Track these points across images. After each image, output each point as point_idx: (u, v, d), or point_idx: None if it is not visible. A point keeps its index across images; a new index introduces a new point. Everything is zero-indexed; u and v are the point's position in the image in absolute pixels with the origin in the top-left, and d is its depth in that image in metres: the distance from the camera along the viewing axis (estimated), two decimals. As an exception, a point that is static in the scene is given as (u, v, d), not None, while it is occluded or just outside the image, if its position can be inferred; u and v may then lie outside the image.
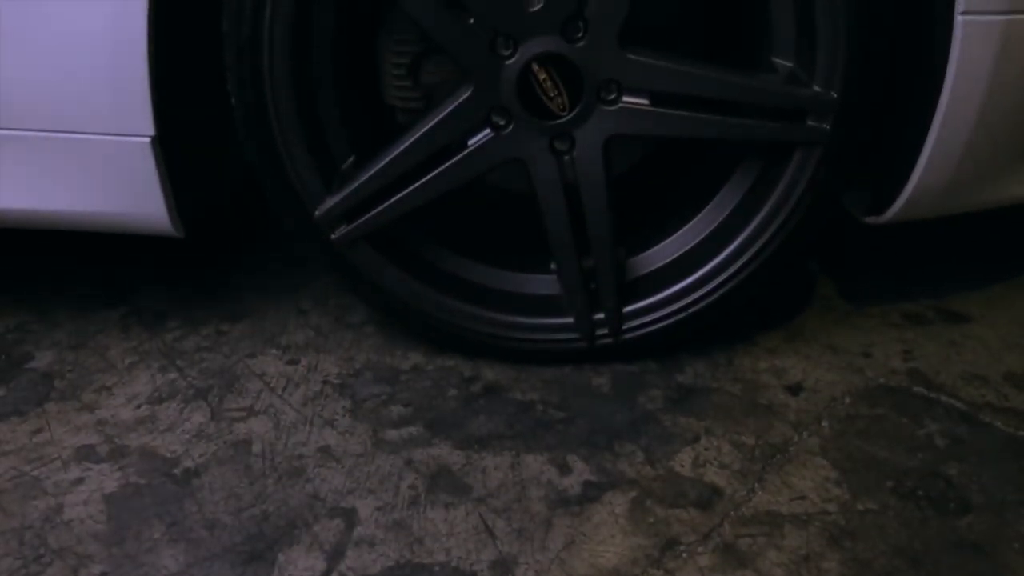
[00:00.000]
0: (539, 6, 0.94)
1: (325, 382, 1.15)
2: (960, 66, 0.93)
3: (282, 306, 1.32)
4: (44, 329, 1.27)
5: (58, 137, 1.01)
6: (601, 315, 1.12)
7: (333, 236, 1.07)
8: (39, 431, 1.06)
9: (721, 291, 1.11)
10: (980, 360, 1.17)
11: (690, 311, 1.12)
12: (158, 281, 1.38)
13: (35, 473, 0.99)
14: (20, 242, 1.43)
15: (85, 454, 1.02)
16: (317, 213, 1.05)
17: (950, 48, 0.92)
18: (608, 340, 1.14)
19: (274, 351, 1.21)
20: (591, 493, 0.96)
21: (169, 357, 1.20)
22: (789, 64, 1.01)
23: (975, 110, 0.96)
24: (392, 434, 1.05)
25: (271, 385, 1.14)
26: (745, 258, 1.09)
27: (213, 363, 1.19)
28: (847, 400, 1.10)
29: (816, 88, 0.97)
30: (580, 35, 0.96)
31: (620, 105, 1.00)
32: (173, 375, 1.16)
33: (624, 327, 1.13)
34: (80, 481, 0.98)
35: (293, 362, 1.19)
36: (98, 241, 1.42)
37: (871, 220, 1.13)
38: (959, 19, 0.90)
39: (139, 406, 1.11)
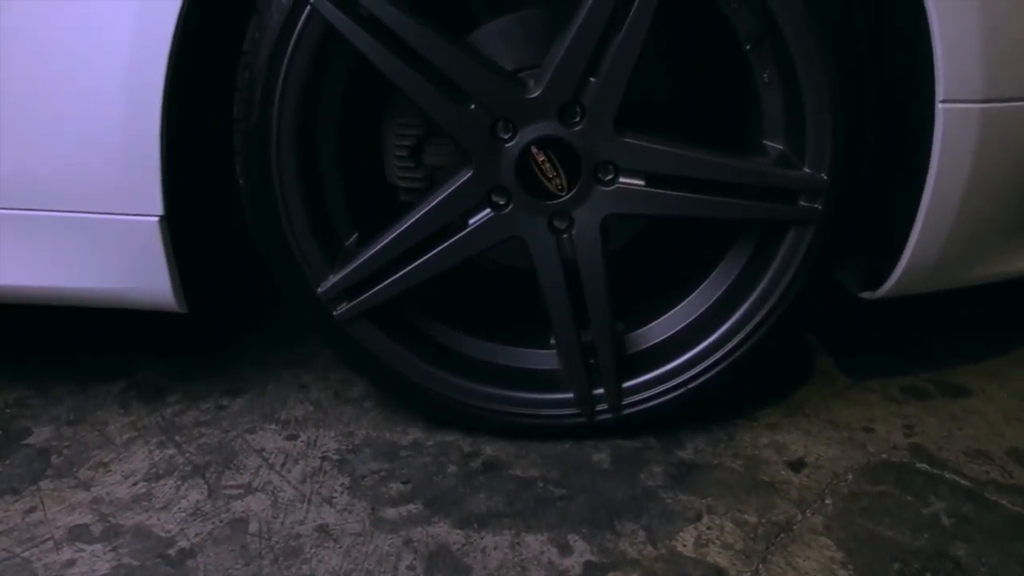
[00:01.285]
0: (537, 93, 0.98)
1: (324, 458, 1.14)
2: (943, 150, 0.96)
3: (282, 380, 1.32)
4: (43, 404, 1.27)
5: (67, 216, 1.03)
6: (601, 390, 1.13)
7: (335, 312, 1.08)
8: (32, 510, 1.05)
9: (720, 366, 1.11)
10: (982, 435, 1.17)
11: (689, 386, 1.12)
12: (159, 354, 1.39)
13: (26, 555, 0.98)
14: (22, 316, 1.44)
15: (78, 534, 1.01)
16: (320, 290, 1.07)
17: (933, 133, 0.95)
18: (608, 415, 1.14)
19: (273, 426, 1.21)
20: (592, 574, 0.94)
21: (168, 432, 1.20)
22: (780, 147, 1.04)
23: (961, 191, 0.99)
24: (391, 512, 1.04)
25: (269, 461, 1.14)
26: (743, 334, 1.10)
27: (212, 438, 1.18)
28: (850, 477, 1.09)
29: (806, 170, 1.01)
30: (577, 120, 0.99)
31: (617, 186, 1.02)
32: (171, 451, 1.16)
33: (624, 402, 1.13)
34: (72, 563, 0.97)
35: (292, 437, 1.19)
36: (100, 313, 1.43)
37: (867, 295, 1.14)
38: (939, 107, 0.94)
39: (135, 483, 1.10)
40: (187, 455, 1.15)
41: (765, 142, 1.06)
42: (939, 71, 0.93)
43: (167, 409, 1.25)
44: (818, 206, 1.02)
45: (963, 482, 1.08)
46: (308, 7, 0.94)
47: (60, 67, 0.95)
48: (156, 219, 1.02)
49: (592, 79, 0.97)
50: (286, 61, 0.96)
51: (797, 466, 1.11)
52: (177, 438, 1.19)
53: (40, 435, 1.20)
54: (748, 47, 1.02)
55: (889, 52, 1.01)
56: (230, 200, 1.13)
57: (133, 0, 0.91)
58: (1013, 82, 0.95)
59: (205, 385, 1.31)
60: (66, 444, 1.18)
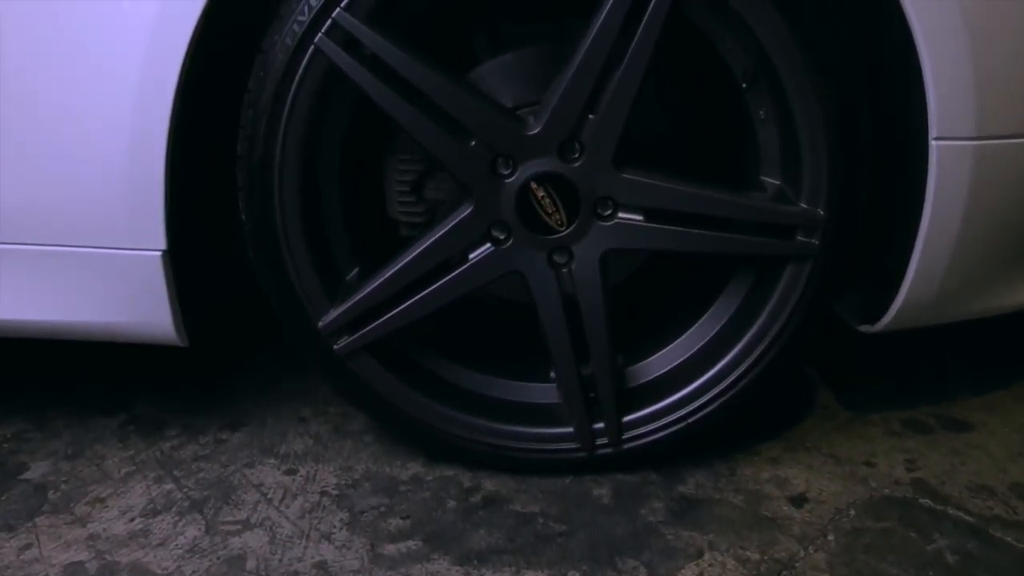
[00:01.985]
0: (537, 129, 0.99)
1: (323, 493, 1.13)
2: (938, 186, 0.97)
3: (282, 413, 1.32)
4: (41, 438, 1.27)
5: (69, 251, 1.04)
6: (601, 424, 1.12)
7: (335, 347, 1.08)
8: (28, 547, 1.04)
9: (720, 400, 1.11)
10: (985, 470, 1.16)
11: (690, 420, 1.12)
12: (159, 387, 1.39)
13: (21, 592, 0.97)
14: (21, 350, 1.44)
15: (73, 572, 1.00)
16: (320, 324, 1.07)
17: (928, 169, 0.96)
18: (608, 450, 1.13)
19: (272, 460, 1.20)
20: (594, 613, 0.93)
21: (166, 467, 1.19)
22: (777, 182, 1.05)
23: (957, 226, 1.00)
24: (390, 548, 1.03)
25: (268, 496, 1.13)
26: (742, 367, 1.10)
27: (210, 473, 1.18)
28: (852, 512, 1.08)
29: (803, 205, 1.02)
30: (576, 156, 1.01)
31: (616, 221, 1.03)
32: (169, 486, 1.15)
33: (624, 436, 1.13)
34: (67, 601, 0.96)
35: (291, 472, 1.18)
36: (101, 346, 1.43)
37: (865, 329, 1.15)
38: (933, 144, 0.95)
39: (132, 519, 1.09)
40: (185, 490, 1.14)
41: (762, 178, 1.07)
42: (932, 109, 0.94)
43: (166, 443, 1.25)
44: (815, 241, 1.03)
45: (967, 518, 1.07)
46: (312, 47, 0.96)
47: (68, 107, 0.97)
48: (159, 254, 1.03)
49: (591, 116, 0.99)
50: (289, 99, 0.98)
51: (799, 501, 1.10)
52: (175, 472, 1.18)
53: (37, 470, 1.19)
54: (744, 85, 1.03)
55: (883, 90, 1.03)
56: (230, 234, 1.14)
57: (140, 42, 0.93)
58: (1006, 120, 0.97)
59: (204, 419, 1.30)
60: (63, 479, 1.17)
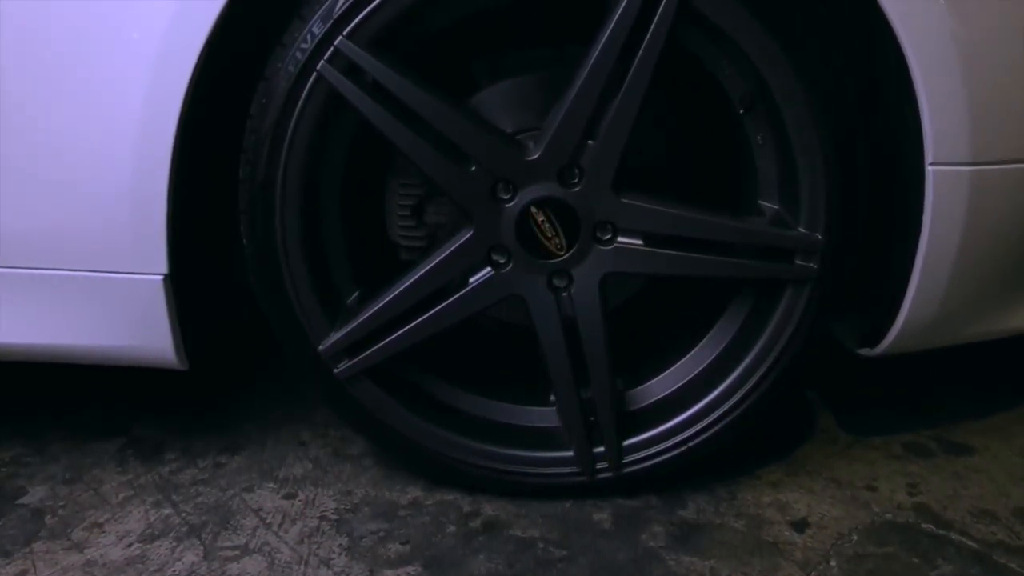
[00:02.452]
0: (537, 155, 1.00)
1: (322, 518, 1.13)
2: (935, 210, 0.98)
3: (282, 437, 1.32)
4: (39, 462, 1.26)
5: (71, 275, 1.05)
6: (601, 448, 1.12)
7: (336, 370, 1.08)
8: (24, 573, 1.03)
9: (720, 424, 1.11)
10: (987, 495, 1.16)
11: (690, 444, 1.12)
12: (159, 410, 1.38)
13: (17, 619, 0.96)
14: (21, 374, 1.44)
15: (70, 598, 0.99)
16: (321, 348, 1.07)
17: (924, 194, 0.97)
18: (608, 474, 1.13)
19: (272, 484, 1.20)
20: (594, 641, 0.92)
21: (164, 491, 1.19)
22: (775, 207, 1.06)
23: (954, 251, 1.01)
24: (389, 574, 1.02)
25: (267, 521, 1.12)
26: (743, 391, 1.10)
27: (209, 497, 1.17)
28: (854, 537, 1.08)
29: (802, 230, 1.02)
30: (576, 181, 1.01)
31: (615, 245, 1.04)
32: (167, 510, 1.14)
33: (624, 460, 1.13)
34: (63, 628, 0.95)
35: (290, 496, 1.17)
36: (101, 368, 1.43)
37: (865, 353, 1.15)
38: (929, 169, 0.96)
39: (130, 544, 1.08)
40: (183, 515, 1.13)
41: (761, 202, 1.07)
42: (927, 135, 0.95)
43: (164, 467, 1.24)
44: (814, 265, 1.03)
45: (970, 543, 1.06)
46: (314, 74, 0.97)
47: (73, 133, 0.98)
48: (160, 278, 1.03)
49: (590, 142, 0.99)
50: (292, 124, 0.99)
51: (800, 526, 1.10)
52: (174, 497, 1.17)
53: (35, 494, 1.19)
54: (742, 111, 1.04)
55: (880, 116, 1.04)
56: (231, 258, 1.15)
57: (144, 70, 0.94)
58: (1000, 146, 0.97)
59: (204, 442, 1.30)
60: (61, 504, 1.16)
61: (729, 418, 1.11)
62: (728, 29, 0.95)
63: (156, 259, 1.02)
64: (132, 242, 1.01)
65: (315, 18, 0.96)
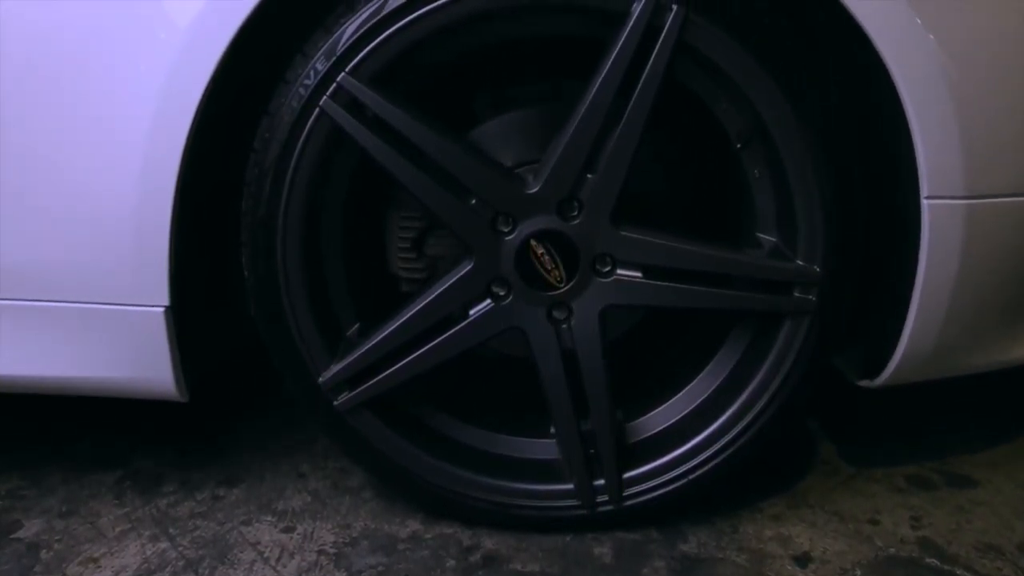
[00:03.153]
0: (536, 188, 1.01)
1: (320, 552, 1.12)
2: (931, 244, 0.98)
3: (280, 468, 1.31)
4: (36, 495, 1.25)
5: (72, 307, 1.05)
6: (601, 481, 1.11)
7: (336, 402, 1.08)
8: (20, 608, 1.02)
9: (721, 456, 1.10)
10: (991, 528, 1.15)
11: (691, 476, 1.11)
12: (157, 441, 1.38)
13: (10, 657, 0.95)
14: (18, 404, 1.44)
15: (65, 634, 0.98)
16: (321, 379, 1.07)
17: (921, 227, 0.98)
18: (609, 507, 1.12)
19: (270, 517, 1.19)
20: None
21: (161, 525, 1.18)
22: (773, 239, 1.07)
23: (952, 283, 1.01)
24: (387, 610, 1.01)
25: (265, 555, 1.11)
26: (743, 423, 1.09)
27: (206, 531, 1.16)
28: (858, 572, 1.07)
29: (800, 262, 1.03)
30: (575, 214, 1.02)
31: (615, 278, 1.04)
32: (164, 544, 1.13)
33: (625, 493, 1.12)
34: (57, 666, 0.93)
35: (289, 529, 1.16)
36: (100, 399, 1.43)
37: (865, 384, 1.14)
38: (925, 203, 0.97)
39: (126, 579, 1.07)
40: (180, 549, 1.12)
41: (759, 235, 1.08)
42: (922, 169, 0.96)
43: (162, 500, 1.23)
44: (812, 297, 1.04)
45: (974, 578, 1.05)
46: (317, 109, 0.98)
47: (77, 168, 0.99)
48: (161, 310, 1.04)
49: (589, 175, 1.00)
50: (294, 158, 1.00)
51: (803, 561, 1.09)
52: (171, 531, 1.16)
53: (31, 528, 1.18)
54: (739, 146, 1.06)
55: (875, 150, 1.05)
56: (231, 289, 1.16)
57: (149, 106, 0.96)
58: (994, 179, 0.98)
59: (202, 474, 1.29)
60: (57, 538, 1.15)
61: (730, 450, 1.10)
62: (724, 66, 0.96)
63: (158, 291, 1.02)
64: (134, 274, 1.01)
65: (318, 55, 0.97)
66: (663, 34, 0.94)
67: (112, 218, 0.99)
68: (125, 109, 0.96)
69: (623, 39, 0.95)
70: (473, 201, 1.02)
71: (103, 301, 1.04)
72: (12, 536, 1.16)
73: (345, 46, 0.96)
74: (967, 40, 0.95)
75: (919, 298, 1.02)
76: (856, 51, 0.97)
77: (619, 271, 1.04)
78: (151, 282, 1.01)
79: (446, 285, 1.05)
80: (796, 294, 1.04)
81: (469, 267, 1.04)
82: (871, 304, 1.11)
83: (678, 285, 1.04)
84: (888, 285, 1.07)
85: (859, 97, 1.05)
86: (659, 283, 1.04)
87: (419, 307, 1.05)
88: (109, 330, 1.06)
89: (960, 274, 1.01)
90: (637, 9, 0.94)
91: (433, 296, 1.05)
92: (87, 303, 1.05)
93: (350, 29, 0.96)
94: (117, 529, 1.17)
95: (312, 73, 0.98)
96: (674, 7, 0.94)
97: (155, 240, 0.99)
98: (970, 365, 1.13)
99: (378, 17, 0.96)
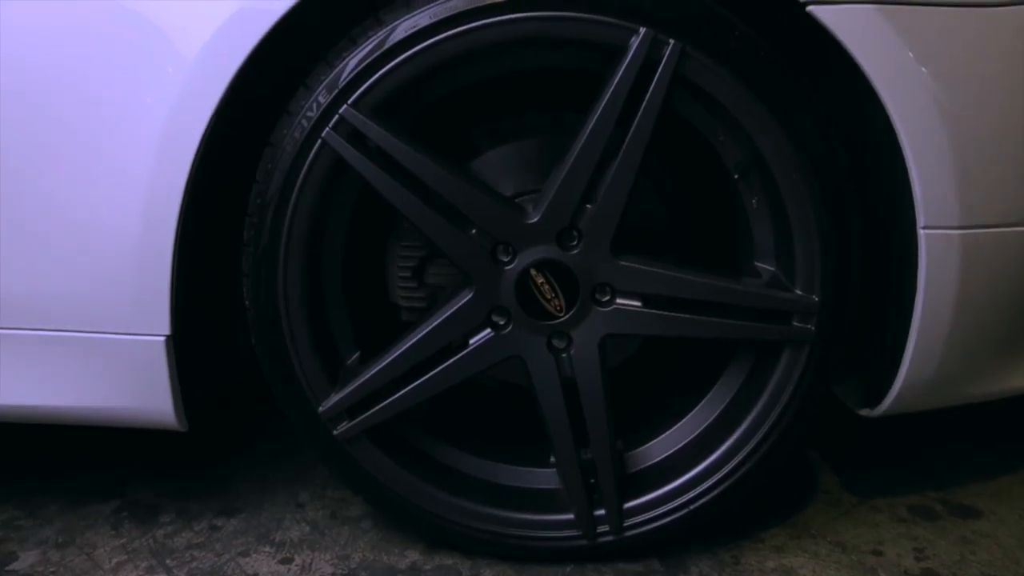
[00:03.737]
0: (536, 218, 1.02)
1: (318, 584, 1.11)
2: (929, 273, 0.99)
3: (279, 498, 1.30)
4: (32, 526, 1.24)
5: (72, 336, 1.05)
6: (602, 511, 1.11)
7: (335, 432, 1.08)
8: (13, 641, 1.01)
9: (723, 485, 1.10)
10: (996, 560, 1.14)
11: (692, 506, 1.10)
12: (155, 471, 1.37)
13: None
14: (15, 433, 1.43)
15: (59, 669, 0.97)
16: (321, 409, 1.07)
17: (918, 257, 0.98)
18: (610, 537, 1.11)
19: (268, 548, 1.18)
20: None
21: (158, 556, 1.17)
22: (771, 268, 1.07)
23: (950, 312, 1.02)
24: (385, 644, 1.00)
25: (261, 587, 1.10)
26: (744, 452, 1.09)
27: (204, 562, 1.15)
28: (861, 604, 1.05)
29: (798, 292, 1.03)
30: (575, 244, 1.03)
31: (614, 307, 1.05)
32: (161, 576, 1.12)
33: (626, 523, 1.11)
34: None
35: (287, 560, 1.15)
36: (98, 428, 1.43)
37: (866, 413, 1.14)
38: (921, 233, 0.98)
39: (122, 612, 1.06)
40: (177, 580, 1.11)
41: (757, 264, 1.09)
42: (917, 200, 0.97)
43: (159, 530, 1.22)
44: (811, 326, 1.04)
45: (979, 610, 1.04)
46: (319, 141, 0.99)
47: (81, 201, 1.00)
48: (162, 339, 1.04)
49: (588, 205, 1.01)
50: (296, 189, 1.01)
51: (806, 592, 1.08)
52: (168, 562, 1.15)
53: (26, 559, 1.16)
54: (736, 176, 1.07)
55: (873, 180, 1.06)
56: (231, 318, 1.16)
57: (152, 140, 0.97)
58: (989, 210, 0.99)
59: (200, 504, 1.28)
60: (52, 570, 1.14)
61: (731, 480, 1.10)
62: (720, 98, 0.97)
63: (159, 320, 1.02)
64: (136, 304, 1.02)
65: (321, 87, 0.99)
66: (660, 68, 0.96)
67: (115, 249, 1.00)
68: (129, 143, 0.97)
69: (620, 73, 0.96)
70: (473, 231, 1.03)
71: (104, 330, 1.05)
72: (7, 568, 1.15)
73: (347, 79, 0.98)
74: (960, 72, 0.97)
75: (918, 327, 1.02)
76: (851, 83, 0.99)
77: (619, 300, 1.05)
78: (152, 311, 1.02)
79: (446, 314, 1.05)
80: (795, 323, 1.04)
81: (469, 296, 1.05)
82: (871, 333, 1.11)
83: (677, 314, 1.04)
84: (887, 314, 1.08)
85: (856, 127, 1.06)
86: (659, 312, 1.04)
87: (419, 336, 1.05)
88: (109, 359, 1.06)
89: (958, 303, 1.01)
90: (635, 44, 0.95)
91: (433, 325, 1.05)
92: (88, 332, 1.05)
93: (352, 62, 0.98)
94: (114, 560, 1.16)
95: (314, 105, 0.99)
96: (671, 42, 0.95)
97: (157, 270, 0.99)
98: (971, 394, 1.13)
99: (380, 51, 0.97)
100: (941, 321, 1.01)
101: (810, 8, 0.94)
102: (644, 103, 0.97)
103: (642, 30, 0.95)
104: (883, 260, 1.06)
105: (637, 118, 0.98)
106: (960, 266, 0.98)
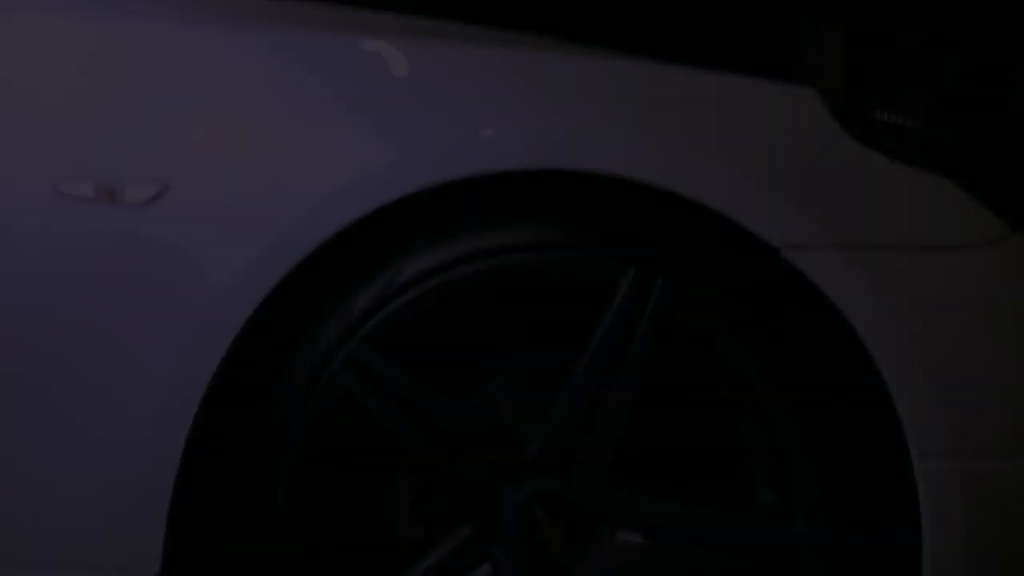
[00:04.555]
0: (535, 450, 1.03)
1: None
2: (931, 505, 0.98)
3: None
4: None
5: (59, 571, 1.02)
6: None
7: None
8: None
9: None
10: None
11: None
12: None
13: None
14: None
15: None
16: (311, 653, 1.01)
17: (918, 488, 0.98)
18: None
19: None
20: None
21: None
22: (772, 501, 1.06)
23: (959, 543, 0.99)
24: None
25: None
26: None
27: None
28: None
29: (801, 526, 1.02)
30: (573, 476, 1.03)
31: (615, 540, 1.03)
32: None
33: None
34: None
35: None
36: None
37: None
38: (917, 464, 0.98)
39: None
40: None
41: (760, 497, 1.08)
42: (908, 431, 0.99)
43: None
44: (818, 561, 1.01)
45: None
46: (326, 374, 1.03)
47: (83, 446, 1.02)
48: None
49: (587, 436, 1.03)
50: (301, 420, 1.03)
51: None
52: None
53: None
54: (731, 406, 1.09)
55: (864, 413, 1.08)
56: (220, 554, 1.12)
57: (157, 387, 1.01)
58: (981, 439, 1.01)
59: None
60: None
61: None
62: (709, 335, 1.03)
63: (151, 558, 1.00)
64: (129, 541, 1.00)
65: (330, 322, 1.04)
66: (649, 305, 1.02)
67: (114, 484, 1.00)
68: (135, 388, 1.01)
69: (612, 310, 1.02)
70: (474, 463, 1.03)
71: (93, 566, 1.01)
72: None
73: (357, 315, 1.04)
74: (935, 304, 1.02)
75: (929, 562, 1.00)
76: (833, 319, 1.04)
77: (619, 534, 1.03)
78: (146, 548, 0.99)
79: (446, 549, 1.03)
80: (802, 559, 1.02)
81: (468, 530, 1.03)
82: (883, 567, 1.07)
83: (681, 549, 1.02)
84: (894, 547, 1.05)
85: (845, 360, 1.10)
86: (662, 547, 1.02)
87: (418, 572, 1.02)
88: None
89: (966, 536, 0.99)
90: (624, 284, 1.02)
91: (431, 562, 1.03)
92: (76, 568, 1.02)
93: (362, 299, 1.04)
94: None
95: (324, 339, 1.04)
96: (659, 281, 1.02)
97: (156, 507, 0.98)
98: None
99: (389, 289, 1.04)
100: (952, 555, 0.98)
101: (785, 254, 1.02)
102: (636, 338, 1.02)
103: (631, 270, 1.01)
104: (888, 493, 1.05)
105: (629, 352, 1.02)
106: (962, 498, 0.97)
